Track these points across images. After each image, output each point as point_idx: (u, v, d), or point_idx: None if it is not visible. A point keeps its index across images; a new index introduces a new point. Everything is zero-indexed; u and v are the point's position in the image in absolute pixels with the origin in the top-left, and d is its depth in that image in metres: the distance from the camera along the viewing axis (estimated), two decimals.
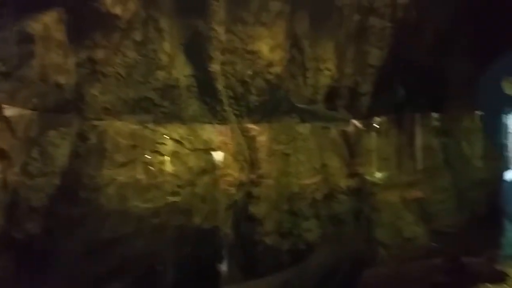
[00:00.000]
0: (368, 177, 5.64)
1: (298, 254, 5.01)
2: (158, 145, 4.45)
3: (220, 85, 4.96)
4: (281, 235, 5.08)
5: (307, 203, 5.24)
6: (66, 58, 4.32)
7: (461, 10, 5.79)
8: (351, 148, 5.70)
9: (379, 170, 5.76)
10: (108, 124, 4.32)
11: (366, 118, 5.77)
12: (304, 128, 5.45)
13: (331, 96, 5.60)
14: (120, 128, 4.34)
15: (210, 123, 4.95)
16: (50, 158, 4.17)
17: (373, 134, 5.82)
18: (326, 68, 5.56)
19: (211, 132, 4.89)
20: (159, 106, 4.60)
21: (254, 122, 5.19)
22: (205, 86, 4.91)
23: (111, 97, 4.40)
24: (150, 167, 4.35)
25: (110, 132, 4.29)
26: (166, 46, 4.63)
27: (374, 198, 5.63)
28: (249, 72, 5.02)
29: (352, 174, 5.60)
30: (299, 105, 5.42)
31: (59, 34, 4.31)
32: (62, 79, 4.28)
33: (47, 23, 4.26)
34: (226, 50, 4.97)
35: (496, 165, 6.60)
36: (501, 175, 6.83)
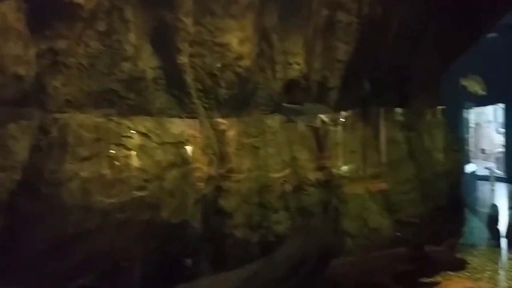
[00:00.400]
0: (335, 170, 5.72)
1: (267, 246, 5.03)
2: (123, 139, 4.35)
3: (188, 77, 4.90)
4: (251, 228, 5.09)
5: (276, 196, 5.26)
6: (26, 49, 4.15)
7: (425, 7, 5.91)
8: (319, 142, 5.76)
9: (346, 163, 5.85)
10: (70, 117, 4.19)
11: (334, 112, 5.83)
12: (273, 121, 5.46)
13: (300, 90, 5.62)
14: (83, 121, 4.22)
15: (179, 116, 4.88)
16: (10, 152, 4.02)
17: (340, 128, 5.91)
18: (295, 62, 5.58)
19: (180, 126, 4.83)
20: (125, 99, 4.48)
21: (224, 116, 5.16)
22: (173, 79, 4.83)
23: (74, 89, 4.26)
24: (115, 161, 4.25)
25: (72, 125, 4.16)
26: (132, 36, 4.52)
27: (341, 190, 5.72)
28: (218, 65, 4.98)
29: (321, 167, 5.66)
30: (285, 105, 5.41)
31: (18, 23, 4.14)
32: (22, 71, 4.11)
33: (5, 12, 4.08)
34: (195, 42, 4.90)
35: (457, 158, 6.81)
36: (462, 168, 7.07)
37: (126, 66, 4.49)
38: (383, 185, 5.95)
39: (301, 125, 5.67)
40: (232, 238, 4.97)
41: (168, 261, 4.47)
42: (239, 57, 5.06)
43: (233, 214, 5.00)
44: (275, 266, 4.55)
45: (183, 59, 4.82)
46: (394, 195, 6.05)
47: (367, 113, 6.08)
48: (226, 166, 5.07)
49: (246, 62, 5.10)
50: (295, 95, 5.47)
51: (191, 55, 4.89)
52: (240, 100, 5.24)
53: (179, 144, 4.74)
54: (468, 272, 5.55)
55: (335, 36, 5.67)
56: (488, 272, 5.75)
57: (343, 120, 5.92)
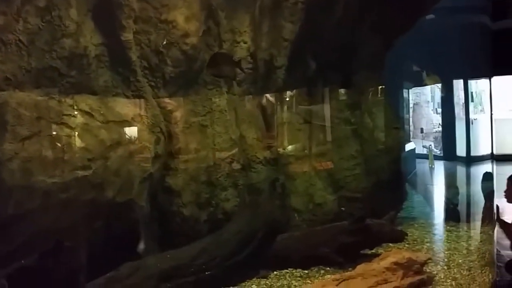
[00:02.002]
0: (282, 148, 5.87)
1: (216, 223, 5.12)
2: (65, 117, 4.26)
3: (133, 55, 4.82)
4: (199, 206, 5.15)
5: (224, 174, 5.34)
6: None
7: None
8: (267, 120, 5.87)
9: (293, 141, 6.01)
10: (9, 95, 4.03)
11: (280, 91, 5.95)
12: (221, 100, 5.49)
13: (230, 63, 5.59)
14: (23, 99, 4.07)
15: (124, 94, 4.81)
16: None
17: (287, 106, 6.04)
18: (242, 41, 5.61)
19: (125, 104, 4.77)
20: (66, 76, 4.36)
21: (171, 94, 5.13)
22: (117, 56, 4.74)
23: (12, 66, 4.10)
24: (57, 141, 4.16)
25: (11, 103, 4.01)
26: (73, 12, 4.38)
27: (288, 168, 5.88)
28: (164, 42, 4.93)
29: (268, 145, 5.79)
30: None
31: None
32: None
33: None
34: (139, 19, 4.82)
35: (398, 136, 7.15)
36: (402, 145, 7.41)
37: (67, 42, 4.35)
38: (329, 164, 6.15)
39: (249, 104, 5.75)
40: (180, 216, 5.02)
41: (114, 240, 4.45)
42: (185, 35, 5.03)
43: (181, 193, 5.04)
44: (223, 242, 4.66)
45: (128, 36, 4.74)
46: (339, 171, 6.27)
47: (312, 92, 6.24)
48: (174, 144, 5.07)
49: (192, 40, 5.08)
50: (223, 69, 5.36)
51: (136, 32, 4.81)
52: (187, 78, 5.23)
53: (124, 123, 4.69)
54: (408, 243, 5.82)
55: (281, 15, 5.74)
56: (427, 244, 5.97)
57: (290, 99, 6.06)
